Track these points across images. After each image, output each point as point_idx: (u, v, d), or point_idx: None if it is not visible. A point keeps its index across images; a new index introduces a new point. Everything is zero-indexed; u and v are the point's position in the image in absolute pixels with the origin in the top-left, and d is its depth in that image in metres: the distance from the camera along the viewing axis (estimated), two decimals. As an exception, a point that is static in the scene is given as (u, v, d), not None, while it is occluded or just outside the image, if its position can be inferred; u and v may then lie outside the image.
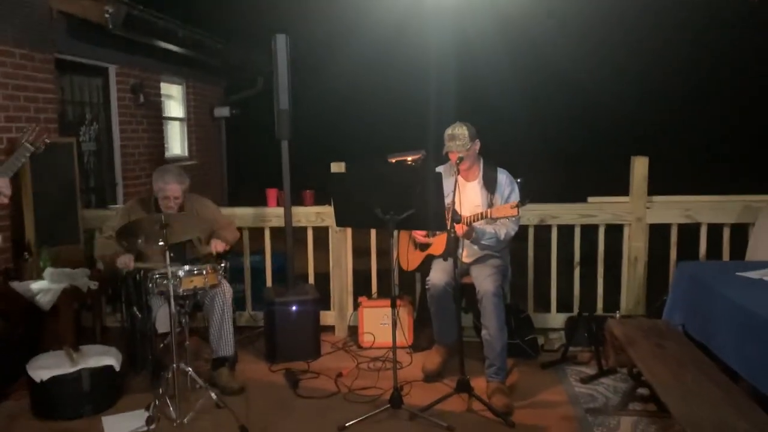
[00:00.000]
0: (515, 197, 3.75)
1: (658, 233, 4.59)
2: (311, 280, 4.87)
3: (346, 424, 3.31)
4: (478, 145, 3.78)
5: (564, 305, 4.67)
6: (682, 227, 4.54)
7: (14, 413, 3.57)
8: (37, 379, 3.48)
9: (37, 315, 4.16)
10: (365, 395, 3.73)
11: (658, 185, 4.53)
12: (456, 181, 3.57)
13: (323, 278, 4.87)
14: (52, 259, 4.38)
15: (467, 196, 3.81)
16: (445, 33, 7.95)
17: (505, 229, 3.75)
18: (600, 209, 4.57)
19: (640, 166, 4.45)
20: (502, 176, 3.84)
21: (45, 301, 4.10)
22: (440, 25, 7.81)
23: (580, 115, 9.55)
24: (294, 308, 4.36)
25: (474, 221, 3.63)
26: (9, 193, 2.79)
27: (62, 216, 4.65)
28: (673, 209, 4.51)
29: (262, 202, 5.01)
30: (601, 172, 6.23)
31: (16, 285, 4.19)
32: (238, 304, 4.64)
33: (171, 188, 3.83)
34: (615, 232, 4.61)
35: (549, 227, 4.62)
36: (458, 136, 3.67)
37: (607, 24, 8.77)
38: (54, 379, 3.47)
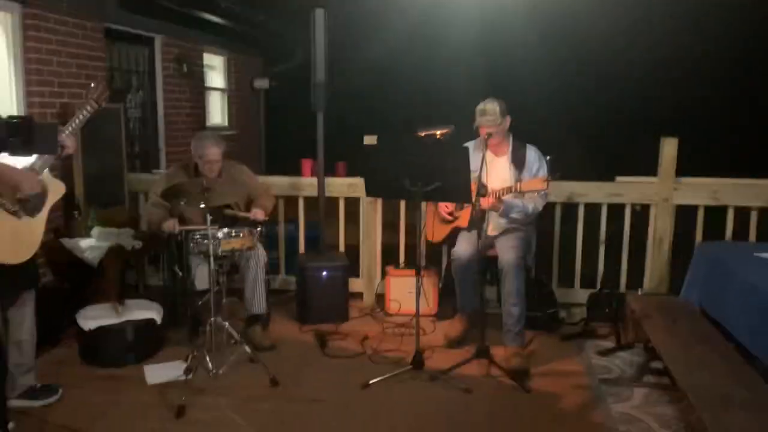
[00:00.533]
0: (543, 174, 3.85)
1: (687, 215, 4.63)
2: (341, 249, 5.06)
3: (370, 382, 3.50)
4: (508, 121, 3.89)
5: (588, 282, 4.76)
6: (711, 209, 4.58)
7: (64, 359, 3.85)
8: (86, 328, 3.76)
9: (84, 270, 4.43)
10: (389, 357, 3.92)
11: (686, 167, 4.56)
12: (484, 155, 3.68)
13: (352, 250, 5.04)
14: (99, 218, 4.64)
15: (496, 170, 3.93)
16: (477, 11, 7.95)
17: (533, 204, 3.87)
18: (627, 189, 4.63)
19: (669, 147, 4.49)
20: (531, 152, 3.94)
21: (92, 257, 4.38)
22: (472, 3, 7.81)
23: (610, 95, 9.45)
24: (325, 273, 4.56)
25: (503, 195, 3.76)
26: (74, 146, 2.98)
27: (109, 178, 4.90)
28: (701, 191, 4.55)
29: (297, 171, 5.19)
30: (630, 153, 6.24)
31: (65, 241, 4.47)
32: (272, 269, 4.87)
33: (210, 152, 4.02)
34: (641, 212, 4.68)
35: (576, 205, 4.71)
36: (489, 111, 3.79)
37: (638, 3, 8.62)
38: (101, 329, 3.74)
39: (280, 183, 5.04)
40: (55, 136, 2.59)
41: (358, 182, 4.91)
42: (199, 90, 7.43)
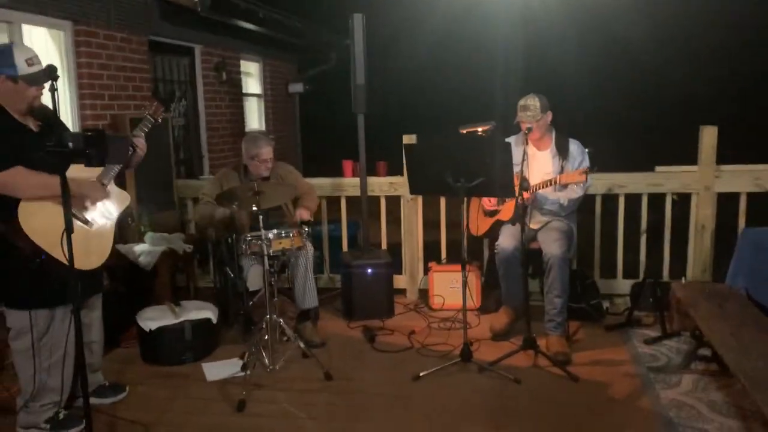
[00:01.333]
0: (585, 166, 3.92)
1: (731, 203, 4.63)
2: (383, 247, 5.17)
3: (421, 374, 3.61)
4: (549, 116, 3.96)
5: (630, 273, 4.80)
6: (754, 196, 4.57)
7: (126, 358, 4.04)
8: (147, 329, 3.93)
9: (139, 274, 4.63)
10: (436, 350, 4.01)
11: (726, 155, 4.56)
12: (524, 150, 3.76)
13: (393, 247, 5.15)
14: (151, 224, 4.83)
15: (538, 164, 4.01)
16: (514, 9, 8.00)
17: (568, 195, 3.94)
18: (668, 178, 4.65)
19: (708, 136, 4.50)
20: (574, 146, 4.02)
21: (146, 261, 4.56)
22: (509, 2, 7.87)
23: (649, 85, 9.41)
24: (369, 270, 4.68)
25: (542, 188, 3.84)
26: (144, 147, 3.17)
27: (160, 185, 5.10)
28: (743, 178, 4.54)
29: (333, 172, 5.33)
30: (669, 142, 6.23)
31: (120, 247, 4.66)
32: (317, 267, 5.00)
33: (264, 151, 4.18)
34: (683, 202, 4.69)
35: (616, 196, 4.75)
36: (530, 106, 3.87)
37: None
38: (161, 329, 3.91)
39: (322, 184, 5.17)
40: (125, 147, 2.75)
41: (399, 181, 5.02)
42: (237, 97, 7.63)
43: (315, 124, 9.41)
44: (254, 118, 8.63)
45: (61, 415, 3.14)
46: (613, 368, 3.69)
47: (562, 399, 3.37)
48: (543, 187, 3.86)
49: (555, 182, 3.80)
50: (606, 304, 4.58)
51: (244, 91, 8.10)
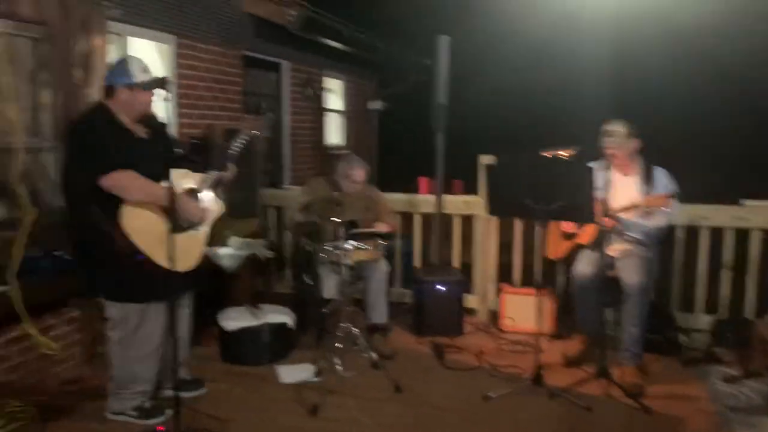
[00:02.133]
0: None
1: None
2: (455, 266, 5.21)
3: (491, 394, 3.62)
4: (635, 143, 3.93)
5: (710, 308, 4.65)
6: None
7: (206, 356, 4.22)
8: (227, 329, 4.12)
9: (221, 276, 4.84)
10: (506, 372, 4.02)
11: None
12: (606, 176, 3.74)
13: (465, 267, 5.17)
14: (235, 229, 5.05)
15: (623, 190, 3.97)
16: (604, 33, 7.92)
17: (653, 222, 3.88)
18: (754, 213, 4.50)
19: (802, 171, 4.34)
20: (660, 173, 3.97)
21: (229, 265, 4.76)
22: (598, 29, 7.81)
23: (739, 115, 9.08)
24: (440, 287, 4.73)
25: (624, 211, 3.80)
26: (232, 174, 3.36)
27: (245, 193, 5.31)
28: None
29: (409, 189, 5.42)
30: (758, 175, 6.01)
31: (205, 249, 4.89)
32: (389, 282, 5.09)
33: (357, 174, 4.41)
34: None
35: (698, 229, 4.63)
36: (615, 132, 3.86)
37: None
38: (241, 330, 4.09)
39: (398, 200, 5.27)
40: (225, 156, 2.94)
41: (474, 200, 5.06)
42: (319, 112, 7.88)
43: (392, 141, 9.57)
44: (334, 132, 8.87)
45: (148, 404, 3.34)
46: (690, 404, 3.60)
47: (635, 430, 3.31)
48: (625, 212, 3.82)
49: (634, 206, 3.76)
50: (683, 339, 4.45)
51: (326, 106, 8.35)
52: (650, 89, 8.88)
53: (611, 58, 8.39)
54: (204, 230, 3.35)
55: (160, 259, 3.04)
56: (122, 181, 3.01)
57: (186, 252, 3.20)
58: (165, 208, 2.64)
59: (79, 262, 3.31)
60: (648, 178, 3.94)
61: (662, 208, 3.70)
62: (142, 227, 3.06)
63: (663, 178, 3.94)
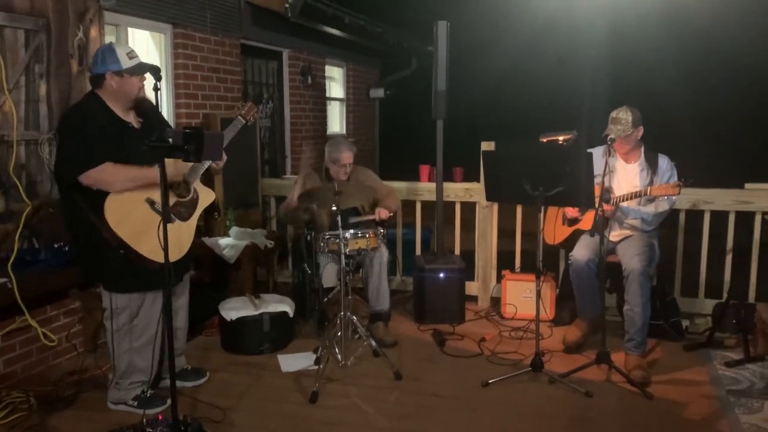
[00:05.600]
0: (675, 181, 3.82)
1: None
2: (456, 253, 5.20)
3: (490, 381, 3.62)
4: (640, 131, 3.90)
5: (712, 292, 4.62)
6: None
7: (207, 346, 4.25)
8: (228, 318, 4.12)
9: (222, 266, 4.85)
10: (507, 359, 4.01)
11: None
12: (607, 161, 3.70)
13: (466, 254, 5.17)
14: (236, 219, 5.05)
15: (627, 177, 3.95)
16: (602, 18, 7.86)
17: (655, 209, 3.85)
18: (757, 196, 4.46)
19: (805, 153, 4.29)
20: (663, 161, 3.94)
21: (230, 255, 4.76)
22: (595, 11, 7.74)
23: (741, 97, 8.99)
24: (442, 275, 4.72)
25: (627, 199, 3.77)
26: (223, 161, 3.33)
27: (245, 183, 5.32)
28: (841, 198, 4.30)
29: (410, 176, 5.40)
30: (761, 159, 5.96)
31: (206, 239, 4.90)
32: (390, 270, 5.08)
33: (345, 156, 4.33)
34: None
35: (701, 213, 4.59)
36: (621, 120, 3.81)
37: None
38: (241, 320, 4.09)
39: (397, 187, 5.23)
40: (220, 145, 2.93)
41: (475, 187, 5.04)
42: (320, 100, 7.85)
43: (394, 129, 9.53)
44: (336, 121, 8.84)
45: (148, 394, 3.35)
46: (691, 388, 3.59)
47: (635, 416, 3.30)
48: (628, 199, 3.79)
49: (644, 194, 3.73)
50: (686, 323, 4.44)
51: (327, 94, 8.32)
52: (650, 72, 8.82)
53: (610, 43, 8.34)
54: (192, 221, 3.33)
55: (145, 250, 3.04)
56: (102, 176, 2.99)
57: (173, 243, 3.19)
58: (165, 194, 2.60)
59: (77, 252, 3.32)
60: (651, 165, 3.91)
61: (669, 196, 3.67)
62: (124, 219, 3.05)
63: (666, 166, 3.91)
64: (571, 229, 4.17)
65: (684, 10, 7.74)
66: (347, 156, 4.33)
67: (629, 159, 3.99)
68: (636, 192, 3.75)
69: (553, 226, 4.30)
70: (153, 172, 2.98)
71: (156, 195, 3.09)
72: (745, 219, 4.54)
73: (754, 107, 9.18)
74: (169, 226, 2.82)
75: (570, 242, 4.13)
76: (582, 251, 3.94)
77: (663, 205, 3.85)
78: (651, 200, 3.84)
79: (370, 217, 4.34)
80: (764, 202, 4.45)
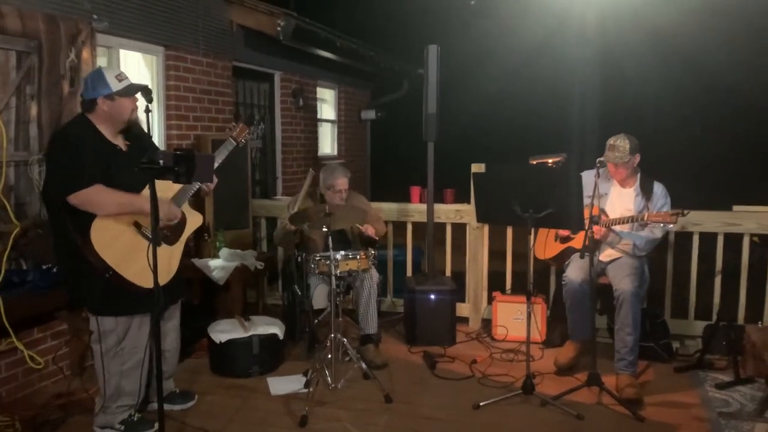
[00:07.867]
0: (667, 210, 3.86)
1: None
2: (447, 274, 5.19)
3: (481, 404, 3.60)
4: (637, 158, 3.94)
5: (702, 314, 4.64)
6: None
7: (196, 368, 4.20)
8: (217, 341, 4.09)
9: (212, 288, 4.82)
10: (498, 381, 3.99)
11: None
12: (596, 184, 3.72)
13: (457, 276, 5.16)
14: (226, 240, 5.03)
15: (621, 201, 3.99)
16: (590, 42, 7.98)
17: (648, 235, 3.87)
18: (745, 218, 4.50)
19: (792, 176, 4.34)
20: (658, 188, 3.98)
21: (220, 276, 4.74)
22: (585, 37, 7.85)
23: (729, 122, 9.14)
24: (433, 296, 4.71)
25: (620, 223, 3.80)
26: (214, 183, 3.32)
27: (236, 204, 5.30)
28: (828, 221, 4.35)
29: (401, 197, 5.42)
30: (748, 181, 6.03)
31: (196, 261, 4.87)
32: (380, 291, 5.07)
33: (340, 182, 4.38)
34: (764, 244, 4.52)
35: (690, 234, 4.62)
36: (619, 147, 3.86)
37: (760, 28, 8.32)
38: (230, 342, 4.06)
39: (389, 209, 5.27)
40: (211, 167, 2.92)
41: (466, 208, 5.06)
42: (312, 122, 7.88)
43: (385, 150, 9.58)
44: (327, 142, 8.86)
45: (135, 418, 3.30)
46: (682, 411, 3.58)
47: (626, 438, 3.29)
48: (621, 223, 3.82)
49: (638, 219, 3.76)
50: (676, 345, 4.44)
51: (318, 116, 8.35)
52: (638, 96, 8.95)
53: (600, 67, 8.46)
54: (179, 245, 3.31)
55: (130, 274, 3.02)
56: (91, 197, 2.98)
57: (163, 265, 3.17)
58: (155, 217, 2.58)
59: (65, 275, 3.29)
60: (646, 191, 3.95)
61: (665, 224, 3.69)
62: (111, 243, 3.02)
63: (660, 193, 3.95)
64: (562, 246, 4.19)
65: (670, 38, 7.89)
66: (342, 182, 4.38)
67: (625, 184, 4.03)
68: (630, 216, 3.78)
69: (544, 242, 4.32)
70: (141, 200, 2.98)
71: (142, 219, 3.09)
72: (733, 241, 4.57)
73: (741, 131, 9.31)
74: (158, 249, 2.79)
75: (560, 259, 4.15)
76: (576, 272, 3.95)
77: (657, 232, 3.88)
78: (644, 226, 3.88)
79: (358, 227, 4.34)
80: (752, 224, 4.49)
